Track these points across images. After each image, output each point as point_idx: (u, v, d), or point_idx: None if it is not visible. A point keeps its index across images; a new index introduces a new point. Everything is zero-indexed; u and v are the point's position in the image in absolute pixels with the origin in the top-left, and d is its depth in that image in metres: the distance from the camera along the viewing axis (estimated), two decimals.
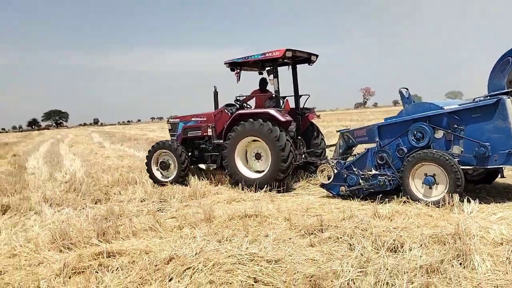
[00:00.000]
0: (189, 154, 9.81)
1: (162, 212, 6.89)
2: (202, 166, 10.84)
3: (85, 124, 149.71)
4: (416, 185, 6.41)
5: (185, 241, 5.02)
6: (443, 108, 6.38)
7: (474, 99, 6.47)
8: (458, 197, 5.74)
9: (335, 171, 7.21)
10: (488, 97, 6.19)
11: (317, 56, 9.36)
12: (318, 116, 9.78)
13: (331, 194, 7.22)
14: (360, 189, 6.93)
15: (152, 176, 9.80)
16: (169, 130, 10.69)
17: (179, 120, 10.32)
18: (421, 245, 4.36)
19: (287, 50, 8.26)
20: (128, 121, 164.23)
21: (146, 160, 9.95)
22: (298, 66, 9.71)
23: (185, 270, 4.04)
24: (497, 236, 4.49)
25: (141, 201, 7.84)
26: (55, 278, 4.25)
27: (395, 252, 4.31)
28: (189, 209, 6.87)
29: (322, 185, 7.47)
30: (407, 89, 7.41)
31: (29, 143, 33.41)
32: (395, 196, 6.56)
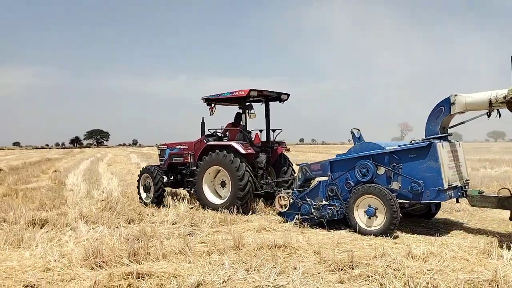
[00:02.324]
0: (173, 178, 10.92)
1: (192, 236, 6.94)
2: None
3: (124, 145, 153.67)
4: (359, 216, 7.08)
5: (213, 267, 5.03)
6: (385, 148, 7.14)
7: (411, 141, 7.24)
8: (498, 242, 5.51)
9: (291, 200, 8.04)
10: (424, 140, 6.96)
11: (288, 95, 10.25)
12: (288, 150, 10.64)
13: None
14: (312, 218, 7.61)
15: (140, 195, 10.89)
16: (159, 155, 11.66)
17: (166, 146, 11.29)
18: None
19: (251, 90, 9.22)
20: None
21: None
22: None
23: None
24: None
25: (173, 224, 7.93)
26: None
27: None
28: (219, 235, 6.89)
29: (279, 213, 8.27)
30: (358, 129, 8.15)
31: (70, 160, 34.63)
32: (430, 237, 6.35)
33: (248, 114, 9.89)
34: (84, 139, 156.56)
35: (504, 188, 6.74)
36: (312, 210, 7.62)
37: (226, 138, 10.58)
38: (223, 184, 9.57)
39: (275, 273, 4.75)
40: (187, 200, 10.35)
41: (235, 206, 8.78)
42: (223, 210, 8.73)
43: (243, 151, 9.04)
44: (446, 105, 7.00)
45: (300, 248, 5.92)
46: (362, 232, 6.89)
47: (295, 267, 5.03)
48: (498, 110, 6.54)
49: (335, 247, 6.06)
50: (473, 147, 47.72)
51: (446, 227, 7.43)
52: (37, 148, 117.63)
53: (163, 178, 10.52)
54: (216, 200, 9.50)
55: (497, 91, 6.44)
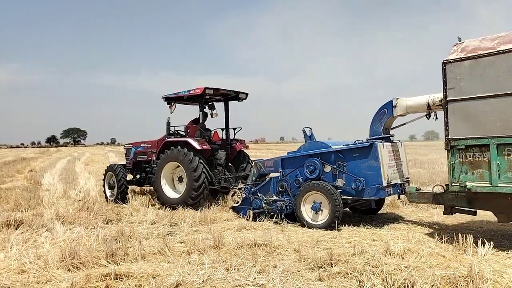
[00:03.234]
0: (139, 176, 11.26)
1: (171, 236, 6.88)
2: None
3: (102, 143, 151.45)
4: (306, 210, 7.52)
5: (193, 267, 5.00)
6: (331, 147, 7.57)
7: (355, 142, 7.55)
8: (472, 239, 5.63)
9: (244, 195, 8.46)
10: (367, 141, 7.38)
11: (246, 94, 10.61)
12: (247, 147, 11.02)
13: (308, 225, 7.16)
14: (263, 212, 8.05)
15: (105, 193, 11.13)
16: (125, 154, 11.97)
17: (132, 145, 11.59)
18: (432, 286, 4.26)
19: (205, 88, 9.54)
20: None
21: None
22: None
23: None
24: (511, 281, 4.37)
25: (152, 224, 7.85)
26: None
27: None
28: (199, 235, 6.86)
29: (233, 208, 8.66)
30: (310, 128, 8.41)
31: (46, 160, 33.94)
32: (407, 234, 6.46)
33: (211, 114, 10.59)
34: (61, 137, 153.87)
35: (438, 185, 7.03)
36: (263, 205, 8.09)
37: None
38: (180, 180, 9.86)
39: (255, 272, 4.75)
40: None
41: (191, 201, 9.19)
42: (202, 209, 8.78)
43: (198, 147, 9.41)
44: (389, 107, 7.48)
45: (280, 247, 5.94)
46: (308, 226, 7.32)
47: (275, 266, 5.04)
48: (435, 112, 7.03)
49: (314, 245, 6.10)
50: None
51: (423, 224, 7.56)
52: (12, 147, 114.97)
53: (126, 176, 10.81)
54: (174, 196, 9.77)
55: (434, 94, 6.90)
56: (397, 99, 7.40)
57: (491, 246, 5.52)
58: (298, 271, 4.91)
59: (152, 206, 9.80)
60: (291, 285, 4.37)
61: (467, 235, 5.68)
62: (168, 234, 6.98)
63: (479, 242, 5.60)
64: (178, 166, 9.74)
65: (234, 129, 10.86)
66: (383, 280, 4.40)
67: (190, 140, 9.60)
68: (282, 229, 7.25)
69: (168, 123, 10.41)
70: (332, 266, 4.97)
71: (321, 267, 4.98)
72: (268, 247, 5.90)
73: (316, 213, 7.35)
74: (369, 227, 7.29)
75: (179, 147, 9.56)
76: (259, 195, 8.24)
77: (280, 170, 8.20)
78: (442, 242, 5.94)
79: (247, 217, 8.08)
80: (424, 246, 5.75)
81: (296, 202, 7.60)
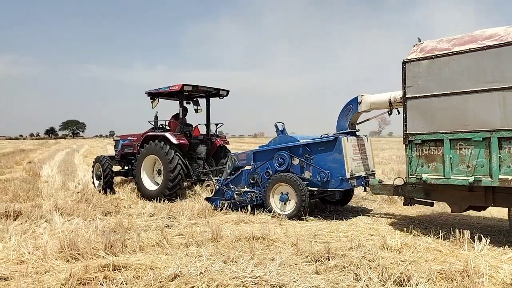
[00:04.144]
0: (127, 168, 11.66)
1: (170, 228, 6.91)
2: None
3: (101, 136, 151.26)
4: (275, 201, 7.91)
5: (190, 259, 5.03)
6: (299, 141, 7.85)
7: (321, 136, 7.87)
8: (469, 234, 5.66)
9: (217, 187, 8.77)
10: (333, 135, 7.70)
11: (227, 91, 10.99)
12: (227, 142, 11.49)
13: (329, 219, 7.18)
14: (235, 202, 8.40)
15: (93, 183, 11.61)
16: (114, 146, 12.38)
17: (120, 138, 12.02)
18: (428, 280, 4.29)
19: (184, 85, 9.88)
20: None
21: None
22: None
23: None
24: (507, 277, 4.41)
25: (150, 216, 7.88)
26: (60, 287, 4.28)
27: (401, 286, 4.25)
28: (197, 227, 6.89)
29: (207, 199, 8.96)
30: (283, 123, 8.69)
31: (45, 151, 33.91)
32: (404, 229, 6.49)
33: (196, 110, 11.10)
34: (60, 129, 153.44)
35: (399, 177, 7.24)
36: (235, 196, 8.44)
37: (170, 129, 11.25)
38: (159, 173, 10.20)
39: (253, 264, 4.78)
40: None
41: (167, 191, 9.53)
42: (199, 202, 8.89)
43: (175, 141, 9.77)
44: (354, 104, 7.84)
45: (277, 240, 5.97)
46: (276, 216, 7.63)
47: (273, 259, 5.07)
48: (397, 108, 7.36)
49: (312, 238, 6.13)
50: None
51: (421, 219, 7.59)
52: (10, 138, 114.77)
53: (112, 167, 11.25)
54: (153, 188, 10.11)
55: (395, 92, 7.20)
56: (362, 95, 7.74)
57: (488, 241, 5.56)
58: (295, 264, 4.94)
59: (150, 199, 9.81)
60: (288, 278, 4.39)
61: (464, 230, 5.71)
62: (166, 226, 7.01)
63: (476, 237, 5.64)
64: (157, 160, 10.03)
65: (217, 124, 11.35)
66: (379, 274, 4.43)
67: (167, 134, 9.94)
68: (280, 223, 7.28)
69: (156, 118, 10.79)
70: (329, 260, 5.00)
71: (318, 261, 5.01)
72: (265, 240, 5.93)
73: (284, 204, 7.74)
74: (366, 221, 7.33)
75: (157, 141, 9.92)
76: (231, 186, 8.58)
77: (252, 163, 8.53)
78: (439, 237, 5.97)
79: (220, 207, 8.41)
80: (421, 241, 5.79)
81: (265, 193, 7.95)
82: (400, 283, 4.30)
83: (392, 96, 7.24)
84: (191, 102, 11.16)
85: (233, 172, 9.04)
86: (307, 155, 7.72)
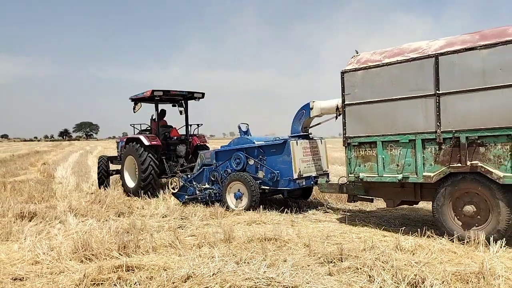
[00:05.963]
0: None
1: (182, 229, 6.94)
2: None
3: (114, 137, 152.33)
4: (230, 198, 8.62)
5: (203, 260, 5.03)
6: (255, 143, 8.50)
7: (274, 138, 8.58)
8: (484, 235, 5.58)
9: (181, 183, 9.44)
10: (284, 138, 8.30)
11: (203, 94, 11.76)
12: (205, 142, 12.11)
13: (338, 220, 7.14)
14: (196, 198, 9.10)
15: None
16: (116, 147, 13.08)
17: (120, 140, 12.76)
18: (443, 282, 4.23)
19: (153, 90, 10.70)
20: None
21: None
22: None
23: None
24: None
25: (163, 217, 7.92)
26: None
27: None
28: (209, 228, 6.90)
29: (173, 194, 9.69)
30: (247, 124, 9.39)
31: (59, 153, 34.32)
32: (418, 230, 6.43)
33: (180, 111, 12.00)
34: (73, 131, 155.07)
35: (343, 176, 7.62)
36: (197, 192, 9.12)
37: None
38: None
39: (265, 265, 4.76)
40: None
41: (141, 189, 10.30)
42: (210, 204, 8.94)
43: (147, 143, 10.52)
44: (306, 109, 8.49)
45: (290, 241, 5.95)
46: (231, 210, 8.32)
47: (285, 260, 5.05)
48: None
49: (324, 240, 6.10)
50: None
51: (435, 220, 7.50)
52: (25, 140, 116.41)
53: (106, 167, 12.20)
54: (132, 185, 11.03)
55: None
56: (313, 101, 8.36)
57: (503, 243, 5.47)
58: (308, 266, 4.92)
59: (163, 200, 9.88)
60: (301, 279, 4.38)
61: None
62: (179, 227, 7.03)
63: (491, 239, 5.55)
64: (134, 160, 10.87)
65: (198, 125, 12.24)
66: (393, 276, 4.39)
67: (140, 136, 10.76)
68: (292, 224, 7.26)
69: (151, 121, 11.60)
70: (342, 261, 4.97)
71: (331, 262, 4.98)
72: (278, 241, 5.92)
73: (238, 200, 8.48)
74: (379, 222, 7.27)
75: (134, 142, 10.82)
76: (194, 183, 9.25)
77: (214, 161, 9.13)
78: (453, 239, 5.88)
79: (184, 201, 9.20)
80: (435, 242, 5.71)
81: (222, 190, 8.67)
82: (414, 285, 4.24)
83: (339, 102, 7.60)
84: (176, 105, 12.11)
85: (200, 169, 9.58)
86: (261, 157, 8.38)
